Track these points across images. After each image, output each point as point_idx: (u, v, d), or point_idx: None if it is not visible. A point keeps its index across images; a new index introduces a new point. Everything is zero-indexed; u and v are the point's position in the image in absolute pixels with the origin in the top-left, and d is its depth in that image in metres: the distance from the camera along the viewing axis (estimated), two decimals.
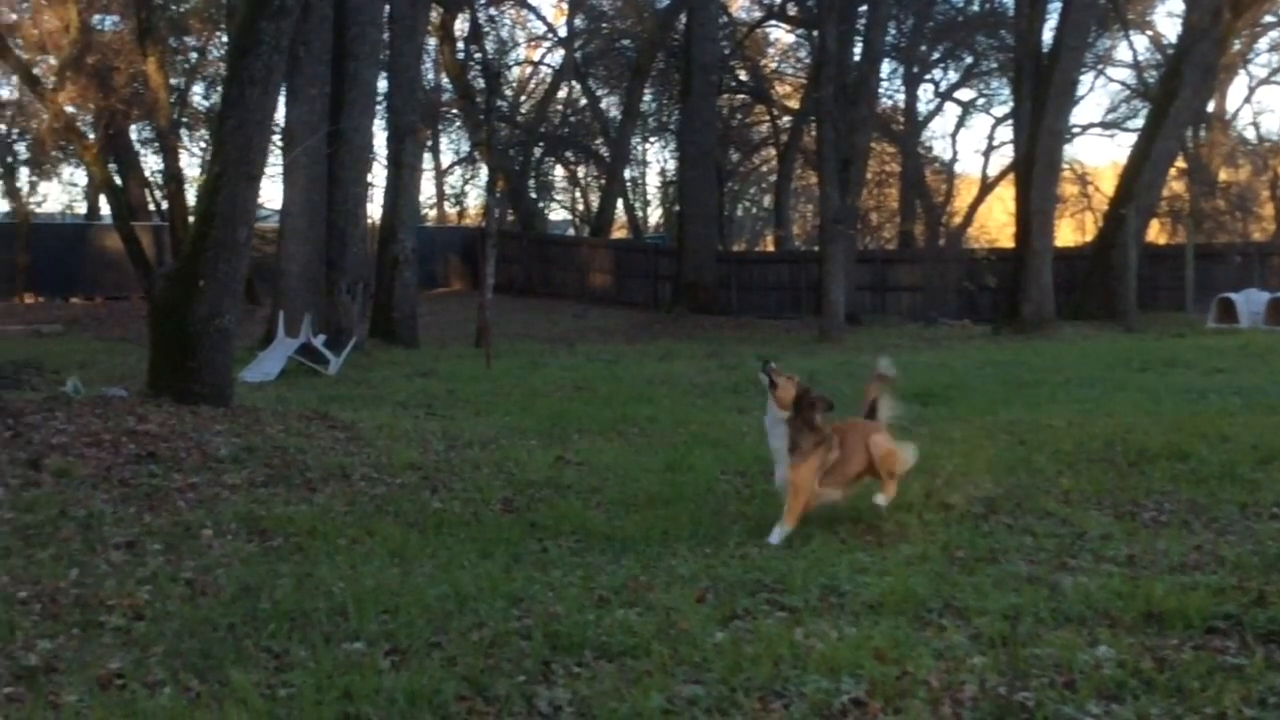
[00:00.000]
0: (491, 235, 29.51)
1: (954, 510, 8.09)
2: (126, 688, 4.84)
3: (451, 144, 57.38)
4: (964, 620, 5.66)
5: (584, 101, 52.68)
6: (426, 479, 9.54)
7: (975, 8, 42.44)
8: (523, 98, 54.42)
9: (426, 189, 51.27)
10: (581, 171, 57.91)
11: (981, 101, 50.00)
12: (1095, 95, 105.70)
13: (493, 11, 48.20)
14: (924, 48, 43.90)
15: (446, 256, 47.51)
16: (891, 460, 7.87)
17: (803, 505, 7.59)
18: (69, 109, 31.58)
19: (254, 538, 7.52)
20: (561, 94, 53.29)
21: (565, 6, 51.00)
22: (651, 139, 56.80)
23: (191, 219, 31.41)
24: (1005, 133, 45.71)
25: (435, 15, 39.28)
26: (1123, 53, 53.24)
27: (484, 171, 47.98)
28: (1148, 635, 5.42)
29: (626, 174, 53.76)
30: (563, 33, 50.86)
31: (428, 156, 50.94)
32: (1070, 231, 49.80)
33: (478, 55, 44.89)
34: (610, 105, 53.23)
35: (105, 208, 44.86)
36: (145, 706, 4.60)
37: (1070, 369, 17.70)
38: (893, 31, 40.39)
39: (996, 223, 48.77)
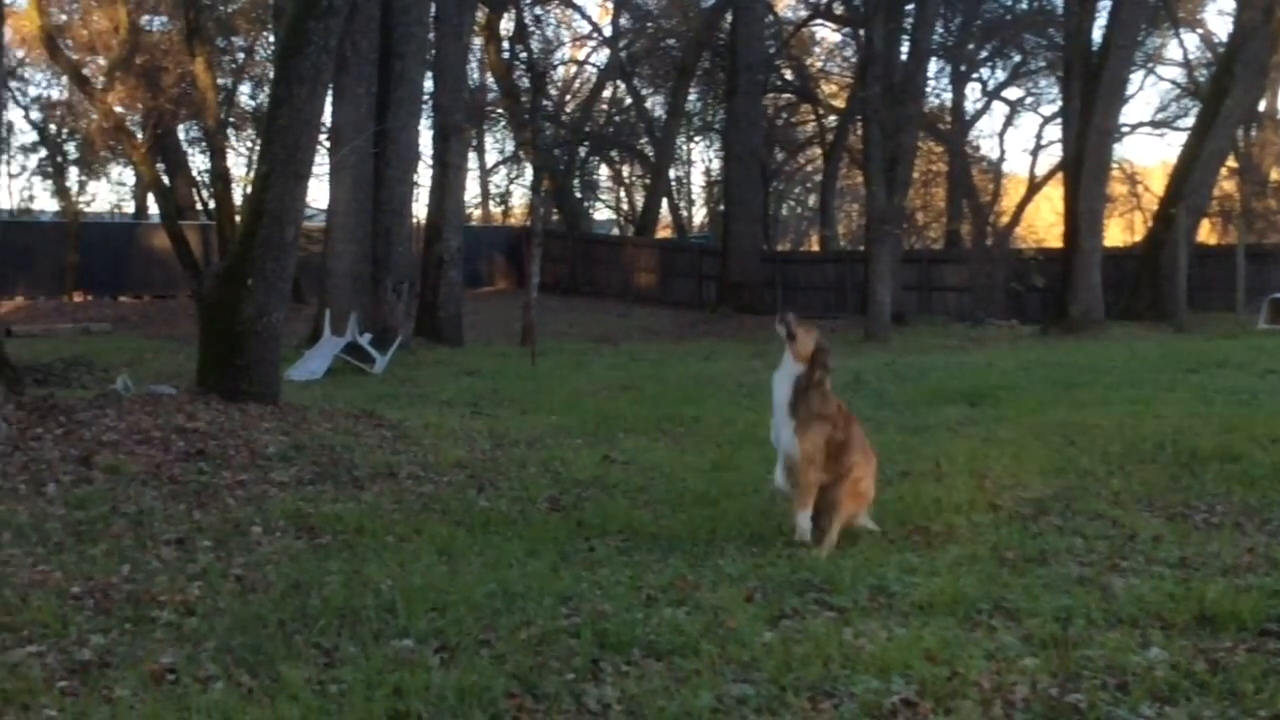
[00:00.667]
0: (536, 234, 29.57)
1: (1002, 511, 8.03)
2: (179, 682, 4.86)
3: (496, 143, 57.53)
4: (1015, 621, 5.62)
5: (629, 101, 52.66)
6: (473, 478, 9.56)
7: (1024, 6, 42.17)
8: (568, 97, 54.48)
9: (471, 188, 51.45)
10: (626, 171, 57.91)
11: (1030, 100, 49.66)
12: (1145, 94, 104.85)
13: (538, 11, 48.27)
14: (971, 46, 43.60)
15: (491, 256, 47.65)
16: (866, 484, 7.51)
17: (815, 480, 7.22)
18: (118, 109, 31.86)
19: (302, 535, 7.55)
20: (606, 93, 53.30)
21: (610, 6, 51.03)
22: (696, 138, 56.74)
23: (239, 218, 31.76)
24: (1054, 132, 45.35)
25: (481, 15, 39.39)
26: (1173, 51, 52.84)
27: (529, 171, 48.02)
28: (1201, 637, 5.36)
29: (671, 173, 53.75)
30: (608, 32, 50.90)
31: (472, 156, 51.03)
32: (1119, 231, 49.40)
33: (523, 55, 44.99)
34: (655, 104, 53.21)
35: (153, 207, 45.22)
36: (198, 701, 4.62)
37: (1119, 370, 17.55)
38: (940, 30, 40.13)
39: (1044, 222, 48.39)
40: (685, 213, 59.14)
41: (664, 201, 52.45)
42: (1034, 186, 46.87)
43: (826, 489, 7.29)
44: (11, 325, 27.22)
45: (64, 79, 37.25)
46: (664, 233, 54.60)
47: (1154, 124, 48.24)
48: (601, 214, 60.95)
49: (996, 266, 36.54)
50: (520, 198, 56.70)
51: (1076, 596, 5.92)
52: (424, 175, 31.71)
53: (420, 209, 31.19)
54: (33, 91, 43.90)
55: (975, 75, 46.72)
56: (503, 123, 51.21)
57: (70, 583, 6.23)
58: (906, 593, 6.04)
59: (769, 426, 11.67)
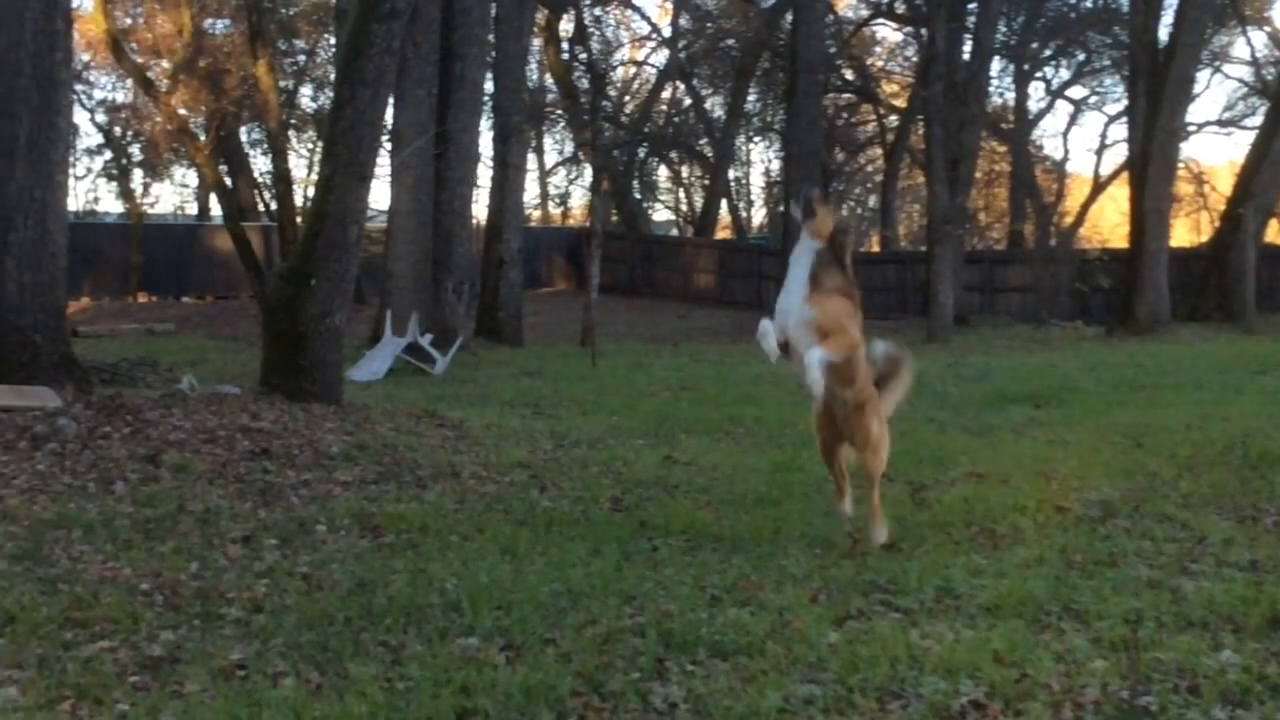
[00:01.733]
0: (596, 235, 29.59)
1: (1069, 514, 7.96)
2: (248, 678, 4.91)
3: (556, 144, 57.64)
4: (1083, 624, 5.58)
5: (688, 101, 52.58)
6: (535, 477, 9.58)
7: (1088, 4, 41.73)
8: (627, 98, 54.47)
9: (531, 189, 51.63)
10: (685, 171, 57.83)
11: (1094, 99, 49.15)
12: (1212, 92, 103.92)
13: (598, 12, 48.32)
14: (1035, 45, 43.20)
15: (550, 256, 47.76)
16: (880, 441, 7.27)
17: (850, 341, 6.85)
18: (182, 111, 32.18)
19: (366, 534, 7.59)
20: (666, 94, 53.26)
21: (670, 6, 51.01)
22: (756, 139, 56.58)
23: (300, 219, 31.96)
24: (1119, 131, 44.86)
25: (540, 16, 39.47)
26: (1240, 49, 52.26)
27: (588, 172, 48.10)
28: (1273, 640, 5.31)
29: (730, 174, 53.67)
30: (667, 33, 50.86)
31: (532, 157, 51.20)
32: (1185, 231, 48.85)
33: (582, 55, 45.05)
34: (715, 105, 53.12)
35: (216, 209, 45.64)
36: (267, 696, 4.66)
37: (1187, 371, 17.36)
38: (1003, 29, 39.79)
39: (1109, 223, 47.97)
40: (744, 213, 59.02)
41: (723, 202, 52.34)
42: (1099, 186, 46.41)
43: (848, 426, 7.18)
44: (77, 326, 27.55)
45: (129, 82, 37.68)
46: (723, 233, 54.48)
47: (1221, 123, 47.63)
48: (661, 215, 60.93)
49: (1060, 267, 36.21)
50: (580, 198, 56.80)
51: (1146, 599, 5.87)
52: (484, 176, 31.88)
53: (480, 210, 31.35)
54: (98, 95, 44.52)
55: (1039, 74, 46.31)
56: (562, 124, 51.26)
57: (140, 579, 6.30)
58: (973, 594, 6.00)
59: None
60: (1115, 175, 44.46)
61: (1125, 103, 36.21)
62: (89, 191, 49.82)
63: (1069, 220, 45.28)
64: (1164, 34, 30.07)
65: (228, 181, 38.75)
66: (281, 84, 37.56)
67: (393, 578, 6.38)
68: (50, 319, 12.01)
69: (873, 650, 5.14)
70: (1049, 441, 11.03)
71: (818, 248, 7.02)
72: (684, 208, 58.69)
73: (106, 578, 6.31)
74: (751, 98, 49.44)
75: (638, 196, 52.95)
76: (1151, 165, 28.87)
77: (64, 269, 12.42)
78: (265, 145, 42.64)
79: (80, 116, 42.66)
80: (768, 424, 12.68)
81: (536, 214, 57.31)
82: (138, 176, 47.69)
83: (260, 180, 45.26)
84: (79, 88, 39.15)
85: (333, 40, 38.98)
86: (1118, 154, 46.33)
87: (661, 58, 52.15)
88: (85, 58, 36.99)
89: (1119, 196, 41.74)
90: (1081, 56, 44.57)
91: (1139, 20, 30.97)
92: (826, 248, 7.01)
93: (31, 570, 6.43)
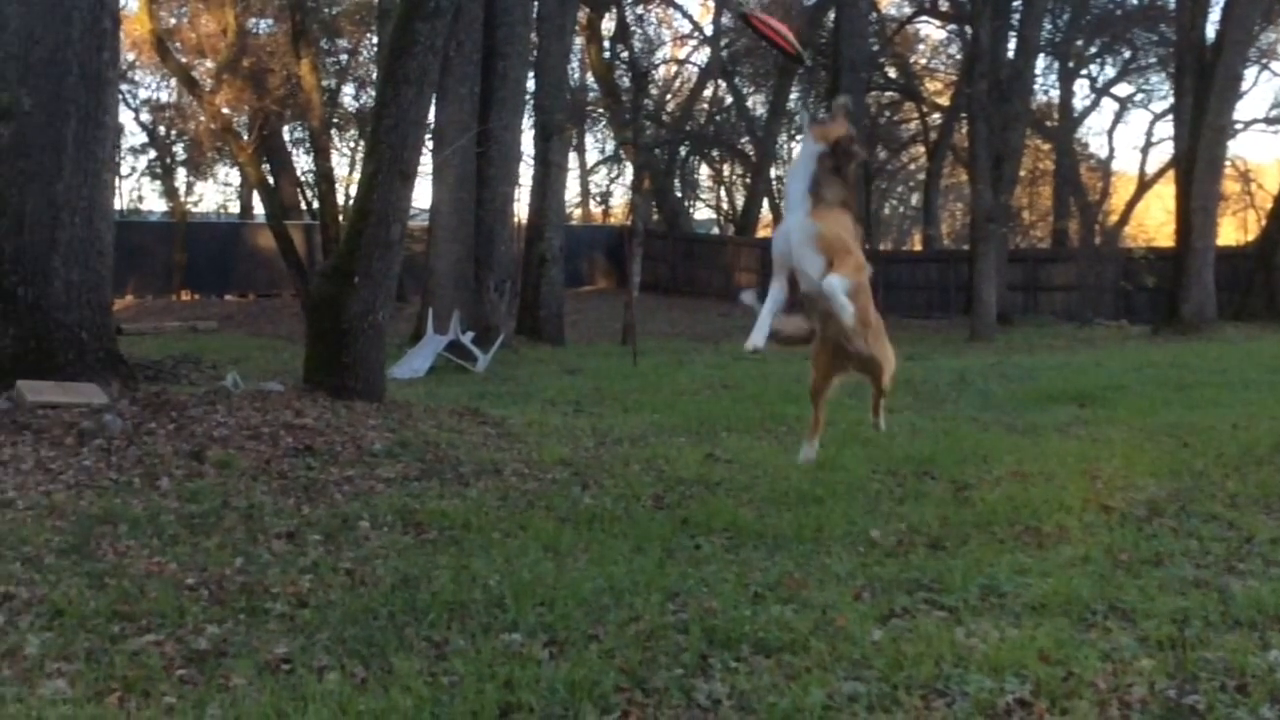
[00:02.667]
0: (637, 234, 29.61)
1: (1115, 513, 7.91)
2: (294, 672, 4.94)
3: (597, 143, 57.69)
4: (1130, 623, 5.55)
5: (730, 100, 52.55)
6: (577, 475, 9.59)
7: (1134, 1, 41.46)
8: (668, 96, 54.46)
9: (572, 188, 51.66)
10: (727, 170, 57.79)
11: (1140, 97, 48.93)
12: (1259, 90, 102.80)
13: (640, 10, 48.32)
14: (1080, 42, 42.95)
15: (592, 255, 47.78)
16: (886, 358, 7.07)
17: (858, 262, 6.47)
18: (225, 110, 32.34)
19: (410, 530, 7.62)
20: (707, 92, 53.19)
21: (711, 4, 50.92)
22: (798, 137, 56.44)
23: (342, 217, 32.07)
24: (1165, 129, 44.55)
25: (582, 14, 39.50)
26: None
27: (629, 170, 48.13)
28: None
29: (772, 172, 53.49)
30: (709, 31, 50.80)
31: (573, 155, 51.24)
32: (1232, 230, 48.42)
33: (624, 54, 45.06)
34: (756, 103, 53.06)
35: (258, 207, 45.88)
36: (313, 690, 4.69)
37: (1233, 371, 17.21)
38: (1048, 25, 39.55)
39: (1155, 221, 47.53)
40: None
41: (764, 200, 52.24)
42: (1144, 184, 46.10)
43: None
44: (121, 324, 27.75)
45: (173, 81, 37.89)
46: (764, 232, 54.26)
47: (1268, 120, 47.17)
48: (702, 213, 60.88)
49: (1105, 266, 35.98)
50: (621, 197, 56.82)
51: (1193, 598, 5.84)
52: (525, 175, 31.90)
53: (522, 208, 31.35)
54: (142, 94, 44.82)
55: (1084, 71, 46.07)
56: (604, 122, 51.31)
57: (185, 574, 6.34)
58: (1019, 593, 5.97)
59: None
60: (1161, 173, 44.14)
61: (1171, 100, 35.98)
62: (133, 190, 50.18)
63: (1114, 219, 45.02)
64: (1211, 31, 29.85)
65: (270, 180, 38.91)
66: (324, 83, 37.67)
67: (436, 573, 6.40)
68: (97, 316, 12.08)
69: (917, 648, 5.13)
70: (1094, 440, 10.96)
71: (819, 152, 6.43)
72: (725, 206, 58.65)
73: (153, 572, 6.35)
74: (793, 96, 49.31)
75: (679, 195, 52.93)
76: (1198, 163, 28.62)
77: (110, 267, 12.48)
78: (308, 144, 42.79)
79: (125, 115, 42.94)
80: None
81: (578, 212, 57.37)
82: (181, 175, 47.99)
83: (303, 179, 45.44)
84: (124, 87, 39.43)
85: (375, 39, 39.06)
86: (1163, 152, 46.13)
87: (703, 56, 52.10)
88: (130, 57, 37.21)
89: (1165, 195, 41.42)
90: (1127, 53, 44.28)
91: (1186, 17, 30.70)
92: (829, 153, 6.42)
93: (79, 564, 6.48)
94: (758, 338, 6.29)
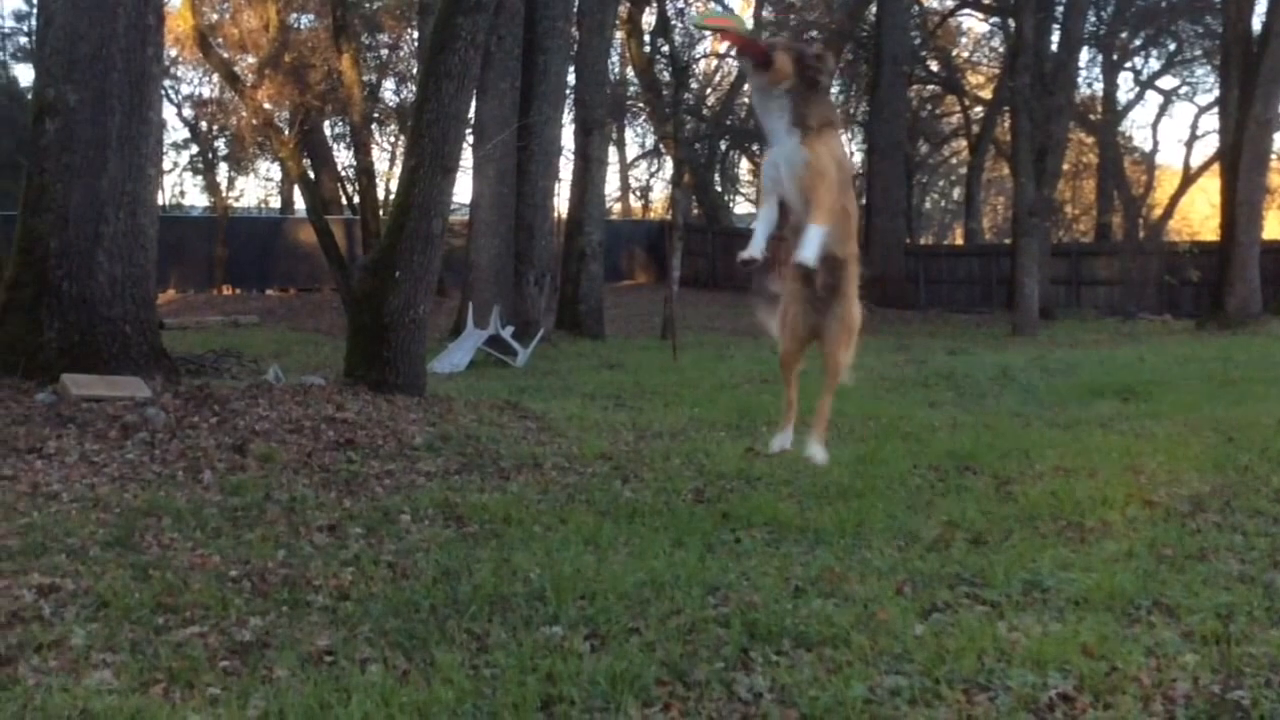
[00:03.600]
0: (677, 228, 29.55)
1: (1159, 508, 7.85)
2: (336, 664, 4.96)
3: (637, 137, 57.79)
4: (1174, 618, 5.51)
5: None
6: (617, 469, 9.59)
7: None
8: (709, 90, 54.38)
9: (612, 182, 51.70)
10: None
11: (1185, 90, 48.40)
12: None
13: (680, 4, 48.25)
14: (1124, 34, 42.63)
15: (631, 249, 47.76)
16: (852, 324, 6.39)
17: (838, 204, 5.96)
18: (267, 106, 32.46)
19: (450, 523, 7.64)
20: (748, 86, 53.08)
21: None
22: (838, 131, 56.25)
23: (382, 212, 32.14)
24: (1210, 122, 44.30)
25: (623, 9, 39.48)
26: None
27: (669, 165, 48.05)
28: None
29: None
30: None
31: (613, 150, 51.27)
32: (1278, 224, 47.98)
33: (664, 48, 44.99)
34: None
35: (299, 202, 46.10)
36: (355, 682, 4.71)
37: (1278, 365, 17.05)
38: (1092, 18, 39.30)
39: (1199, 215, 47.12)
40: None
41: None
42: (1189, 178, 45.69)
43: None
44: (164, 318, 27.95)
45: (215, 77, 38.06)
46: None
47: None
48: (742, 207, 60.77)
49: (1149, 260, 35.73)
50: (660, 192, 56.81)
51: (1237, 593, 5.80)
52: (565, 169, 31.92)
53: (562, 203, 31.39)
54: (185, 90, 45.09)
55: (1128, 64, 45.71)
56: (644, 116, 51.29)
57: (228, 566, 6.38)
58: (1061, 588, 5.94)
59: (912, 420, 11.41)
60: (1206, 167, 43.74)
61: (1217, 93, 35.68)
62: (175, 185, 50.51)
63: (1158, 212, 44.67)
64: (1258, 23, 29.54)
65: (311, 175, 39.07)
66: (365, 78, 37.78)
67: (477, 567, 6.41)
68: (140, 310, 12.18)
69: (959, 642, 5.11)
70: (1137, 435, 10.88)
71: (787, 89, 5.93)
72: None
73: (196, 565, 6.40)
74: (835, 90, 49.15)
75: (719, 189, 52.88)
76: (1244, 157, 28.36)
77: (154, 261, 12.58)
78: (348, 139, 42.96)
79: (167, 111, 43.22)
80: (850, 416, 12.59)
81: (618, 207, 57.37)
82: (223, 170, 48.27)
83: (343, 174, 45.66)
84: (166, 83, 39.64)
85: (416, 34, 39.22)
86: (1209, 145, 45.71)
87: None
88: (172, 53, 37.34)
89: (1210, 188, 41.03)
90: (1172, 46, 43.93)
91: (1232, 9, 30.39)
92: (798, 81, 5.91)
93: (123, 557, 6.53)
94: (754, 249, 5.95)
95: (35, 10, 15.43)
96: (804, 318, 6.38)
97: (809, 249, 5.79)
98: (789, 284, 6.34)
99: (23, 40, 46.59)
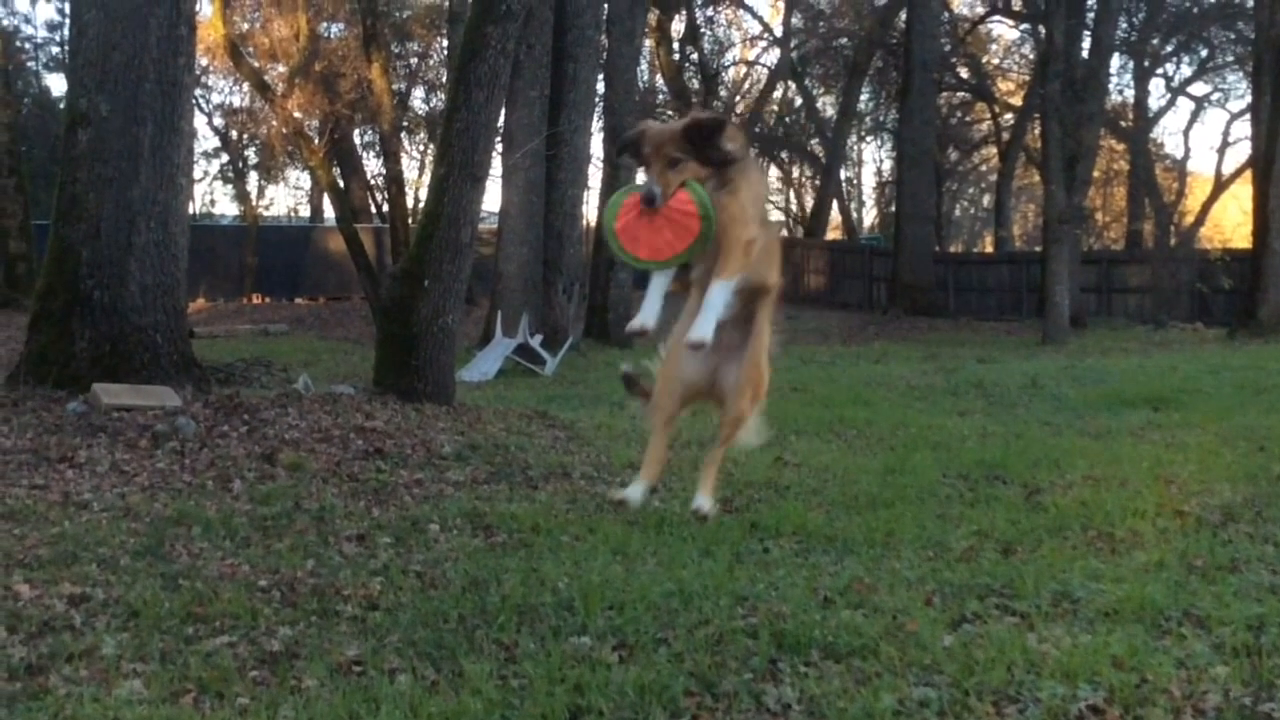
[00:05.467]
0: None
1: (1190, 518, 7.80)
2: (365, 674, 4.97)
3: None
4: (1205, 630, 5.47)
5: (799, 101, 52.46)
6: None
7: None
8: (738, 98, 54.38)
9: None
10: (796, 172, 57.67)
11: (1217, 96, 48.32)
12: None
13: (709, 12, 48.31)
14: (1156, 41, 42.46)
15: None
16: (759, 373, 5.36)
17: (750, 241, 4.92)
18: (297, 115, 32.63)
19: (479, 533, 7.64)
20: (777, 94, 53.10)
21: (782, 6, 50.84)
22: (868, 138, 56.32)
23: (412, 220, 32.20)
24: (1242, 128, 44.01)
25: (652, 16, 39.54)
26: None
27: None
28: None
29: (841, 174, 53.37)
30: (779, 32, 50.71)
31: None
32: None
33: (694, 56, 45.08)
34: (826, 105, 52.93)
35: (329, 210, 46.27)
36: (384, 692, 4.72)
37: None
38: (1123, 24, 39.14)
39: (1231, 222, 46.94)
40: (856, 214, 58.70)
41: (834, 203, 52.07)
42: (1221, 185, 45.49)
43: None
44: (194, 326, 28.08)
45: (245, 86, 38.28)
46: (834, 234, 54.23)
47: None
48: (771, 216, 60.73)
49: (1180, 267, 35.53)
50: None
51: (1269, 605, 5.75)
52: (595, 177, 31.97)
53: (591, 211, 31.44)
54: (215, 99, 45.36)
55: (1160, 71, 45.55)
56: None
57: (258, 576, 6.40)
58: (1091, 599, 5.91)
59: (942, 429, 11.36)
60: (1238, 174, 43.55)
61: (1249, 100, 35.48)
62: (205, 194, 50.87)
63: (1189, 220, 44.49)
64: None
65: (341, 184, 39.21)
66: (395, 86, 37.95)
67: (505, 577, 6.41)
68: (170, 320, 12.23)
69: (989, 654, 5.08)
70: (1168, 445, 10.82)
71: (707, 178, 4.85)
72: (794, 208, 58.52)
73: (226, 574, 6.42)
74: (864, 97, 49.18)
75: None
76: (1276, 163, 28.12)
77: (184, 271, 12.64)
78: (378, 147, 43.12)
79: (198, 120, 43.49)
80: (879, 425, 12.57)
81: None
82: (253, 179, 48.60)
83: (373, 182, 45.82)
84: (197, 92, 39.88)
85: (445, 43, 39.33)
86: (1241, 152, 45.48)
87: (773, 57, 52.00)
88: (203, 62, 37.55)
89: (1242, 195, 40.83)
90: (1204, 52, 43.75)
91: (1264, 15, 30.20)
92: (715, 170, 4.87)
93: (153, 566, 6.56)
94: (647, 317, 4.95)
95: (68, 21, 15.52)
96: (699, 359, 5.21)
97: (706, 322, 4.82)
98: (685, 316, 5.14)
99: (55, 50, 47.01)
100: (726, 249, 4.87)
